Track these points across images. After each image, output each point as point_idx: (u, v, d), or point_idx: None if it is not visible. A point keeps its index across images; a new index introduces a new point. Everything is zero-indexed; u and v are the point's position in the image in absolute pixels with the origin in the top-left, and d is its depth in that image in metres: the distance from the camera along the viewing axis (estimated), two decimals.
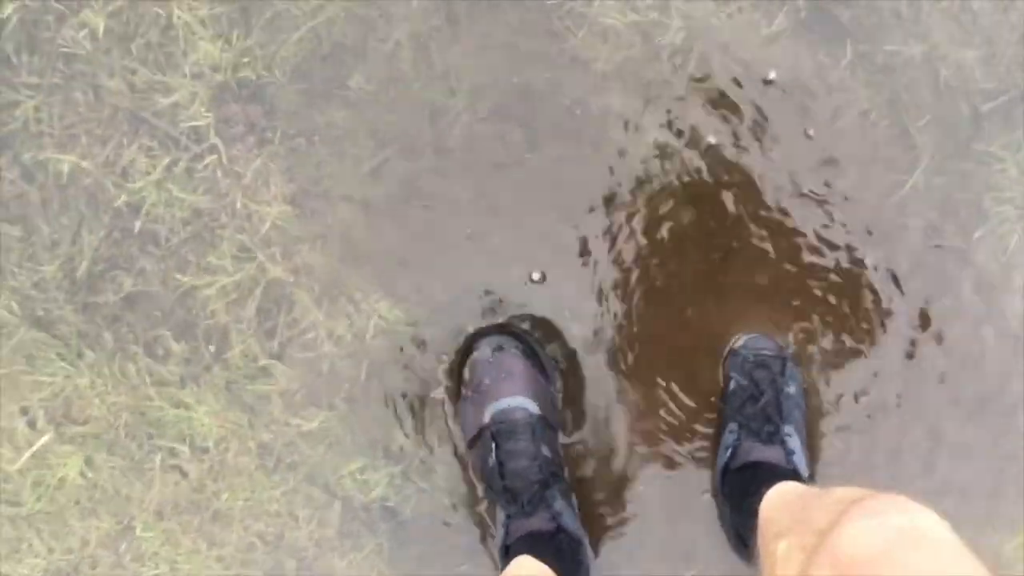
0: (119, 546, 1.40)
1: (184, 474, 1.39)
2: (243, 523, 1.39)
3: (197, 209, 1.37)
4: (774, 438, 1.22)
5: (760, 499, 1.10)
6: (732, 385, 1.28)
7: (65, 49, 1.38)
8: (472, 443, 1.32)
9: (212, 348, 1.37)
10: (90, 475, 1.40)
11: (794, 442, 1.23)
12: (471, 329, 1.36)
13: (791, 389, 1.26)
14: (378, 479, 1.36)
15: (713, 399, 1.32)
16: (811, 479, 1.26)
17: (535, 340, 1.35)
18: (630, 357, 1.35)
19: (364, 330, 1.36)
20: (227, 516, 1.39)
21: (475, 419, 1.31)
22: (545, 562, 1.19)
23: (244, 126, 1.36)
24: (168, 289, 1.38)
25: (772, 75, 1.27)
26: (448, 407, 1.37)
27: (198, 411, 1.38)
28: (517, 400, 1.29)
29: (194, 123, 1.36)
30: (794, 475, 1.20)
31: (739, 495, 1.22)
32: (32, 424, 1.41)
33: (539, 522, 1.26)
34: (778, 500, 1.09)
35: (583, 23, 1.32)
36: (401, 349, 1.36)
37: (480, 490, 1.36)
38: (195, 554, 1.39)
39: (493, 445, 1.28)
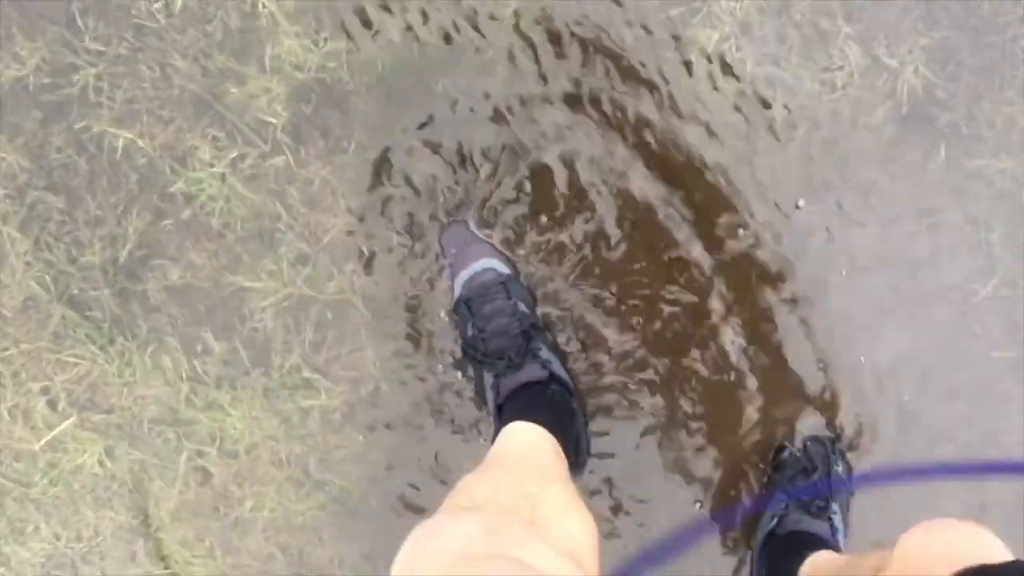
0: (133, 541, 1.36)
1: (209, 476, 1.35)
2: (265, 533, 1.36)
3: (258, 209, 1.31)
4: (823, 513, 1.23)
5: (802, 561, 1.13)
6: (785, 454, 1.30)
7: (137, 20, 1.29)
8: (455, 318, 1.31)
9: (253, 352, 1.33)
10: (109, 465, 1.35)
11: (838, 520, 1.25)
12: None
13: (839, 468, 1.28)
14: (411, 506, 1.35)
15: (761, 466, 1.34)
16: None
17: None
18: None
19: (414, 360, 1.33)
20: (249, 524, 1.36)
21: (452, 295, 1.31)
22: (539, 415, 1.15)
23: (319, 131, 1.30)
24: (217, 286, 1.32)
25: (801, 203, 1.29)
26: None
27: (232, 414, 1.34)
28: (483, 263, 1.29)
29: (266, 119, 1.29)
30: (835, 550, 1.21)
31: (779, 557, 1.23)
32: (53, 405, 1.35)
33: (530, 373, 1.23)
34: (822, 562, 1.12)
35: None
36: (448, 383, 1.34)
37: (466, 368, 1.32)
38: (210, 559, 1.36)
39: (468, 312, 1.26)
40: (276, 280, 1.32)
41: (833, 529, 1.24)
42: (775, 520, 1.26)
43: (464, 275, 1.29)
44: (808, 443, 1.30)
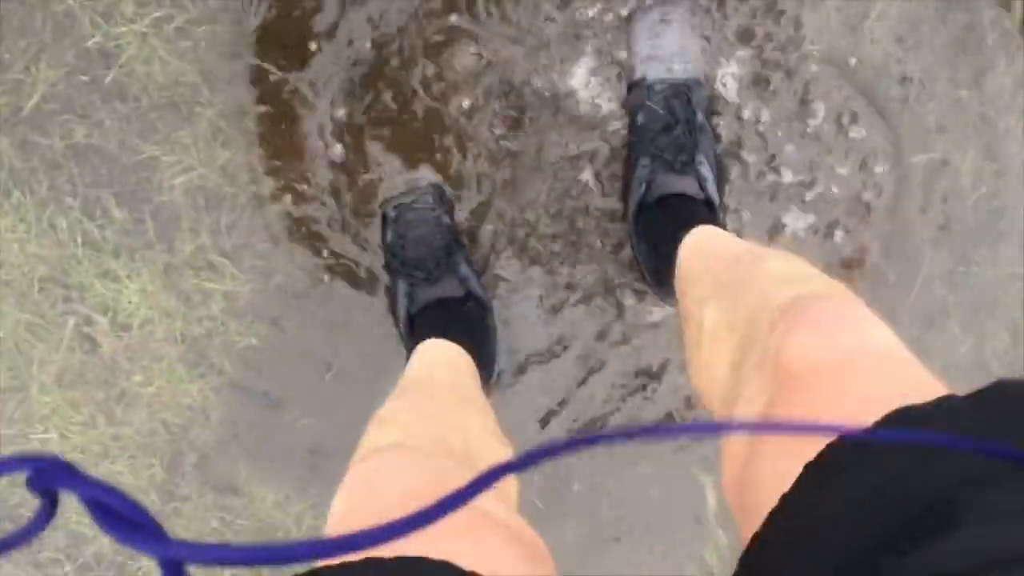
0: (7, 401, 1.31)
1: (96, 345, 1.31)
2: (151, 408, 1.33)
3: (180, 77, 1.24)
4: (688, 168, 1.20)
5: (677, 244, 1.11)
6: (641, 117, 1.24)
7: None
8: (382, 225, 1.28)
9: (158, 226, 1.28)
10: None
11: (706, 170, 1.21)
12: None
13: (699, 116, 1.23)
14: (307, 422, 1.35)
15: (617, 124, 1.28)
16: (721, 207, 1.26)
17: None
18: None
19: (327, 261, 1.31)
20: (134, 398, 1.33)
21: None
22: (455, 332, 1.17)
23: (253, 3, 1.23)
24: (125, 151, 1.26)
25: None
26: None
27: (128, 286, 1.29)
28: (414, 171, 1.28)
29: None
30: (707, 204, 1.21)
31: (656, 233, 1.21)
32: None
33: (447, 289, 1.24)
34: (697, 251, 1.09)
35: None
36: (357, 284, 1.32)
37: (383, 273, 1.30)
38: (90, 428, 1.33)
39: (391, 217, 1.25)
40: (190, 156, 1.26)
41: (701, 179, 1.21)
42: (643, 186, 1.22)
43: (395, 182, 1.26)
44: (668, 99, 1.23)
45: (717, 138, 1.28)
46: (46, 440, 1.33)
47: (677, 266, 1.10)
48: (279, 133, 1.26)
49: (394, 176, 1.28)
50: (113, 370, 1.32)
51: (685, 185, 1.20)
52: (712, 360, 0.85)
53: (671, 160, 1.20)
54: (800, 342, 0.67)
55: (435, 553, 0.57)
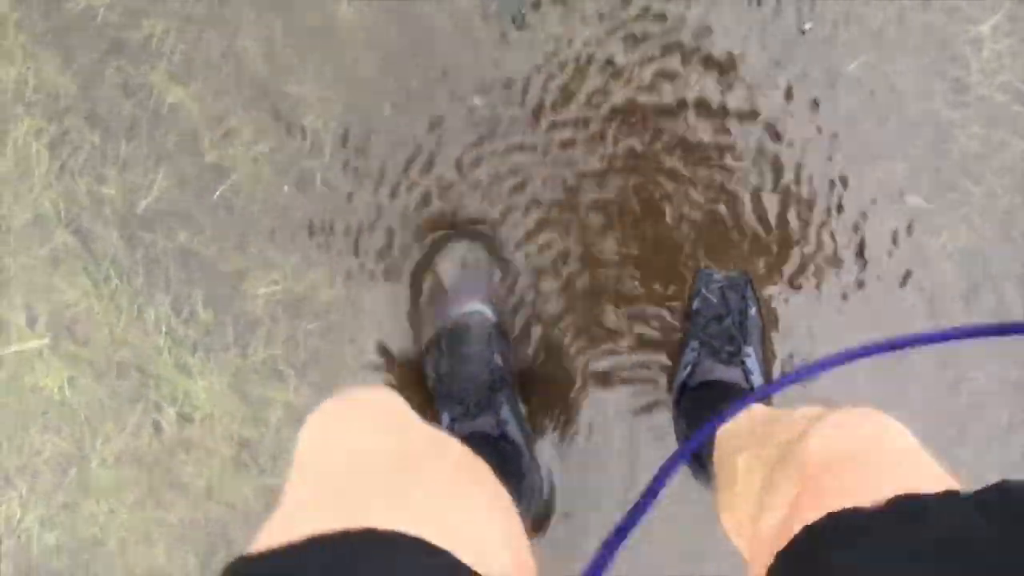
0: (68, 469, 1.40)
1: (160, 431, 1.39)
2: (196, 500, 1.40)
3: (279, 201, 1.34)
4: (734, 359, 1.24)
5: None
6: (697, 303, 1.30)
7: None
8: (428, 349, 1.31)
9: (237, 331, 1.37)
10: (68, 394, 1.38)
11: (752, 363, 1.25)
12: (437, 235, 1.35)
13: (752, 311, 1.29)
14: None
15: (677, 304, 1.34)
16: (767, 402, 1.27)
17: (495, 240, 1.35)
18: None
19: (390, 379, 1.38)
20: (183, 488, 1.40)
21: (432, 324, 1.31)
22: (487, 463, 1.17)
23: (358, 149, 1.33)
24: (219, 259, 1.35)
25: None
26: None
27: (198, 382, 1.37)
28: (475, 306, 1.30)
29: (314, 126, 1.32)
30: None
31: (696, 413, 1.24)
32: (31, 323, 1.37)
33: (483, 425, 1.25)
34: (742, 418, 1.09)
35: None
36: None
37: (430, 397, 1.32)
38: (139, 509, 1.40)
39: (440, 351, 1.28)
40: (278, 273, 1.35)
41: (747, 372, 1.24)
42: (687, 369, 1.26)
43: (454, 311, 1.29)
44: (723, 290, 1.29)
45: (768, 336, 1.33)
46: (95, 513, 1.40)
47: (717, 436, 1.10)
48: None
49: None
50: (170, 456, 1.39)
51: (729, 374, 1.24)
52: (745, 490, 0.87)
53: (718, 348, 1.25)
54: (822, 437, 0.70)
55: None
